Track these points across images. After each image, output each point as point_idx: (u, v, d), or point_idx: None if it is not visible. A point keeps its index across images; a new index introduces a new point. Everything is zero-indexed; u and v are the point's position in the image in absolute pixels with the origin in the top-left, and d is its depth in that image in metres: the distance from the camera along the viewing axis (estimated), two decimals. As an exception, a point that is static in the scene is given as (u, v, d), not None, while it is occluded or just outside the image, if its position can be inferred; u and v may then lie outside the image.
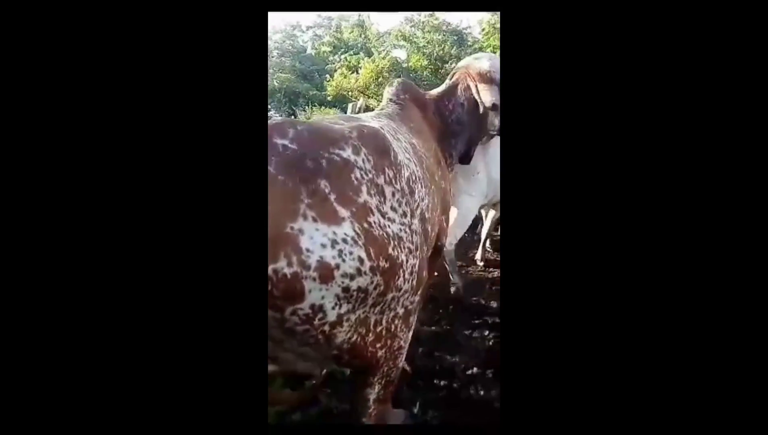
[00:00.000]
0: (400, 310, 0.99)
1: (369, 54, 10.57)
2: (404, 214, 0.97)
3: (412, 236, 0.97)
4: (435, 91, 1.85)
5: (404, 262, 0.93)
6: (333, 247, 0.79)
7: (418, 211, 1.06)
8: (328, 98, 10.63)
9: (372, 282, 0.85)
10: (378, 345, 0.96)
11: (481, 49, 7.92)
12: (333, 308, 0.81)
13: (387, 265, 0.88)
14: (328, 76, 10.92)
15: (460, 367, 1.91)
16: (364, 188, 0.89)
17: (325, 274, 0.78)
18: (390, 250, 0.89)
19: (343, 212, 0.83)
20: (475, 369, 1.88)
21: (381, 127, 1.10)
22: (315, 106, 11.21)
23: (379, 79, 9.33)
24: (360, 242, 0.83)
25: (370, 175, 0.91)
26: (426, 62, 8.65)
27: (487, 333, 2.22)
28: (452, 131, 1.77)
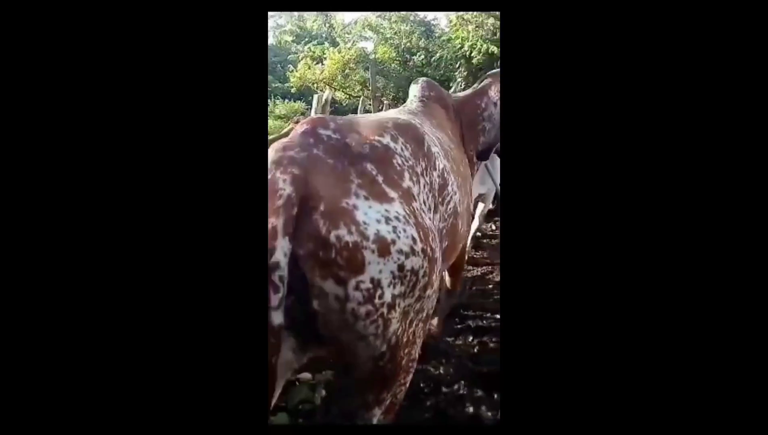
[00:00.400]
0: (423, 314, 0.94)
1: (334, 44, 10.21)
2: (430, 209, 0.97)
3: (435, 232, 0.95)
4: (461, 94, 1.90)
5: (438, 259, 0.91)
6: (387, 223, 0.79)
7: (451, 205, 1.07)
8: (292, 90, 10.18)
9: (422, 266, 0.83)
10: (406, 350, 0.92)
11: (449, 42, 7.82)
12: (389, 286, 0.79)
13: (431, 254, 0.86)
14: (291, 67, 10.45)
15: (445, 380, 1.73)
16: (406, 175, 0.91)
17: (383, 247, 0.77)
18: (430, 240, 0.88)
19: (392, 193, 0.84)
20: (462, 383, 1.71)
21: (411, 120, 1.13)
22: (278, 98, 10.71)
23: (346, 71, 9.03)
24: (411, 222, 0.83)
25: (410, 163, 0.94)
26: (394, 54, 8.45)
27: (471, 339, 2.06)
28: (482, 127, 1.78)
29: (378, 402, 0.98)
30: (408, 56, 8.44)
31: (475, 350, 1.97)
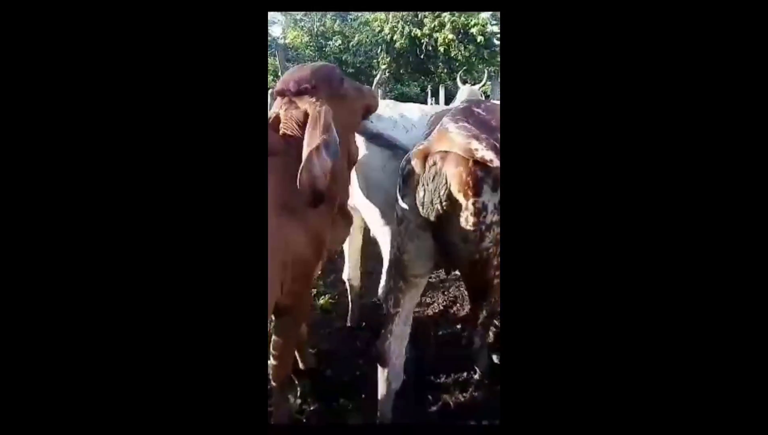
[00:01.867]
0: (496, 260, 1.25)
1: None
2: None
3: None
4: None
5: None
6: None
7: None
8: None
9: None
10: (496, 273, 1.22)
11: (366, 24, 7.12)
12: (491, 212, 1.11)
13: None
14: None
15: None
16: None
17: (495, 186, 1.08)
18: None
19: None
20: None
21: None
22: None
23: (252, 59, 7.89)
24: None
25: None
26: (307, 38, 7.54)
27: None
28: None
29: (485, 304, 1.47)
30: (323, 41, 7.58)
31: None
